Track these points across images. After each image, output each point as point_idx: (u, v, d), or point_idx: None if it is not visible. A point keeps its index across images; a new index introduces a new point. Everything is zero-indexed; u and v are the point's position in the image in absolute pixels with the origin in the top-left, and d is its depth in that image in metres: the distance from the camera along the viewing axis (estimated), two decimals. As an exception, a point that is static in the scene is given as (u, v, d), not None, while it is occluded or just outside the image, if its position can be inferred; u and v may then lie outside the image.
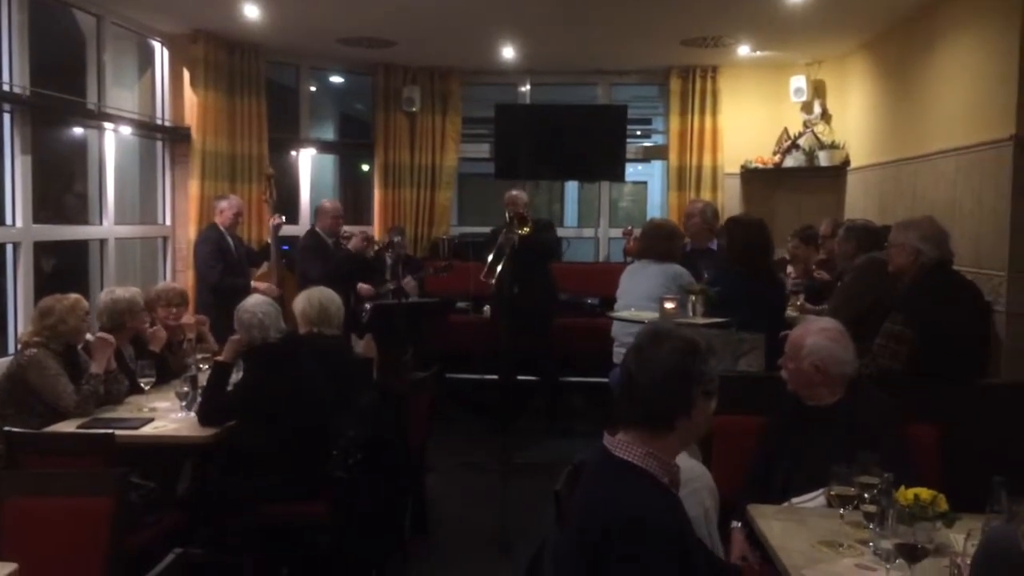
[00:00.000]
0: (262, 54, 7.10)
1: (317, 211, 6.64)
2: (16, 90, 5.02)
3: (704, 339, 1.95)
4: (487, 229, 7.09)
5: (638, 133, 9.33)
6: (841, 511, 2.39)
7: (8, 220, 5.07)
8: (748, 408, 3.20)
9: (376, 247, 6.66)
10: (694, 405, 1.87)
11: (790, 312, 5.13)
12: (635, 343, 1.99)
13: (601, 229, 8.28)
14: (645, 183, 11.88)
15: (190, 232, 6.57)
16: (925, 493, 2.23)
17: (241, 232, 6.42)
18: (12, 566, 2.22)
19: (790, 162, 7.45)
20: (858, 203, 6.86)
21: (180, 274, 6.75)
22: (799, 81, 7.40)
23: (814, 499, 2.67)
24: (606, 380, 5.42)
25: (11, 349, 4.97)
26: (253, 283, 5.89)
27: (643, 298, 4.84)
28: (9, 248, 5.09)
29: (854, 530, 2.35)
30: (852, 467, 2.37)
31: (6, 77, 4.99)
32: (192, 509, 3.73)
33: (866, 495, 2.32)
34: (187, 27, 6.52)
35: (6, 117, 5.06)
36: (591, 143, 7.26)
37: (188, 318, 4.83)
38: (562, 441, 6.30)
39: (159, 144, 6.86)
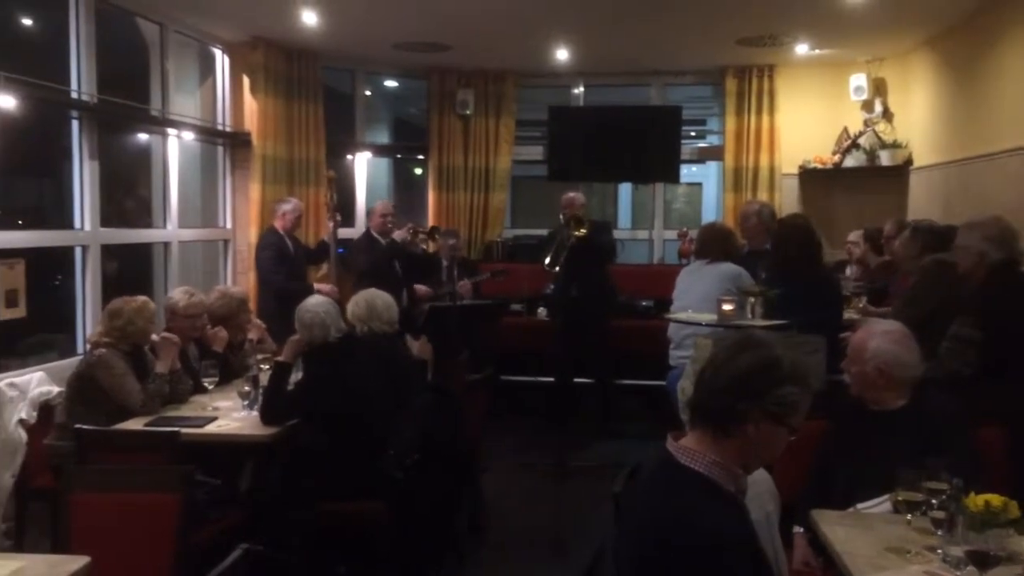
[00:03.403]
0: (319, 60, 7.21)
1: (369, 212, 6.89)
2: (84, 98, 5.18)
3: (797, 368, 1.85)
4: (541, 231, 7.10)
5: (692, 134, 9.25)
6: (908, 517, 2.34)
7: (76, 224, 5.23)
8: (809, 412, 3.14)
9: (421, 237, 6.73)
10: (749, 420, 1.81)
11: (852, 315, 5.04)
12: (725, 342, 1.97)
13: (656, 231, 8.22)
14: (700, 184, 11.75)
15: (251, 235, 6.70)
16: (996, 499, 2.17)
17: (300, 235, 6.53)
18: (85, 559, 2.27)
19: (850, 162, 7.31)
20: (921, 203, 6.71)
21: (241, 276, 6.88)
22: (859, 79, 7.26)
23: (879, 504, 2.61)
24: (660, 383, 5.38)
25: (79, 349, 5.12)
26: (315, 284, 5.99)
27: (701, 299, 4.79)
28: (77, 251, 5.24)
29: (921, 536, 2.31)
30: (919, 472, 2.32)
31: (74, 85, 5.15)
32: (254, 506, 3.79)
33: (934, 500, 2.27)
34: (247, 34, 6.64)
35: (75, 124, 5.22)
36: (645, 144, 7.21)
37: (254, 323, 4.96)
38: (616, 443, 6.26)
39: (220, 149, 7.00)
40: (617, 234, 8.04)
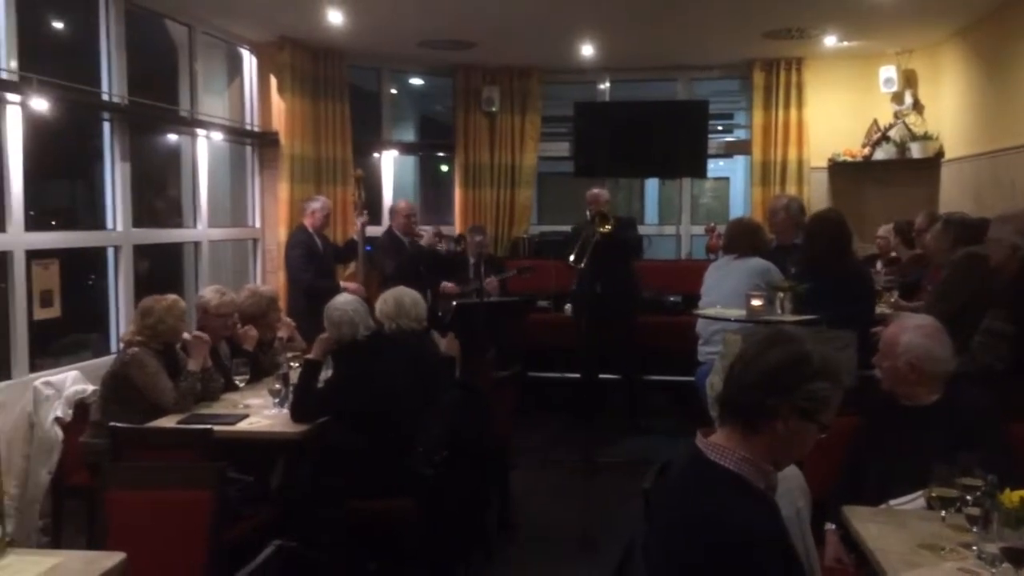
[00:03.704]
0: (345, 59, 7.25)
1: (391, 212, 6.94)
2: (115, 99, 5.24)
3: (828, 363, 1.83)
4: (567, 227, 7.09)
5: (719, 128, 9.18)
6: (942, 513, 2.31)
7: (109, 224, 5.30)
8: (840, 407, 3.11)
9: (447, 242, 6.77)
10: (779, 416, 1.79)
11: (884, 309, 4.99)
12: (755, 337, 1.96)
13: (683, 226, 8.18)
14: (727, 179, 11.68)
15: (279, 234, 6.75)
16: (1032, 496, 2.14)
17: (329, 233, 6.57)
18: (120, 555, 2.31)
19: (880, 154, 7.23)
20: (952, 196, 6.62)
21: (270, 275, 6.94)
22: (889, 71, 7.18)
23: (913, 501, 2.59)
24: (687, 379, 5.36)
25: (113, 348, 5.20)
26: (342, 283, 6.04)
27: (729, 295, 4.77)
28: (110, 251, 5.31)
29: (956, 533, 2.28)
30: (953, 468, 2.29)
31: (105, 87, 5.21)
32: (285, 504, 3.83)
33: (968, 497, 2.24)
34: (274, 35, 6.69)
35: (106, 126, 5.29)
36: (672, 139, 7.18)
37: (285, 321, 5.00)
38: (644, 440, 6.26)
39: (248, 149, 7.06)
40: (644, 230, 8.04)
